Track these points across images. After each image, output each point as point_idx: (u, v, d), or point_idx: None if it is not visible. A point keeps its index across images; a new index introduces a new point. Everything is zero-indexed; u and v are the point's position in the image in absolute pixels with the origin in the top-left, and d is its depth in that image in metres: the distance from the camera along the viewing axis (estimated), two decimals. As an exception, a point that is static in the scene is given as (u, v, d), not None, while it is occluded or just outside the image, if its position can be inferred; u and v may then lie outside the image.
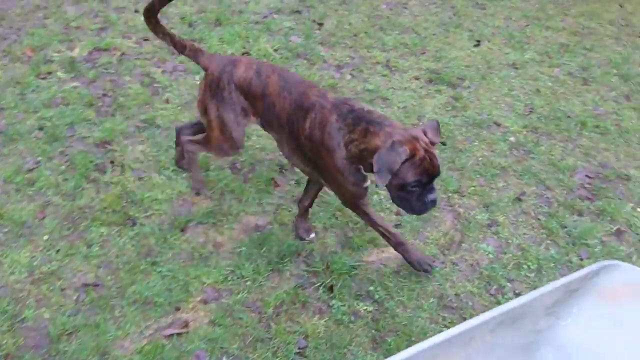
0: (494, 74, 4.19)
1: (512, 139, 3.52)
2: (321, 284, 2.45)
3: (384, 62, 4.15)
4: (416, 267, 2.50)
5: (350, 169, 2.20)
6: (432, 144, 2.11)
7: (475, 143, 3.46)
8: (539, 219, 2.94)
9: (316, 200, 2.72)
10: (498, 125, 3.65)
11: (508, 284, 2.56)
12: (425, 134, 2.12)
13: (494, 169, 3.24)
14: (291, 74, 2.49)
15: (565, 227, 2.88)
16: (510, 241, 2.80)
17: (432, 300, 2.45)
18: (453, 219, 2.90)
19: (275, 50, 4.15)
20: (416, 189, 2.08)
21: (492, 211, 2.96)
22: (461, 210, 2.95)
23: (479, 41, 4.61)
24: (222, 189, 2.89)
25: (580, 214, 2.99)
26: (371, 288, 2.46)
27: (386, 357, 1.57)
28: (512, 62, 4.36)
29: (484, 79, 4.12)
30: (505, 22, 4.95)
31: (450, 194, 3.04)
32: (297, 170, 2.77)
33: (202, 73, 2.57)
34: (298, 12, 4.73)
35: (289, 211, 2.81)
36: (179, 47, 2.50)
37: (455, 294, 2.49)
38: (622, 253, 2.76)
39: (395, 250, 2.50)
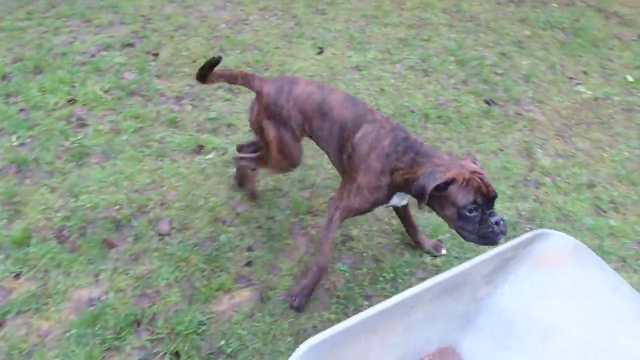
0: (339, 79, 4.18)
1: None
2: (166, 352, 2.23)
3: (225, 86, 3.98)
4: (294, 300, 2.44)
5: (381, 192, 2.21)
6: (481, 170, 2.06)
7: (325, 157, 3.40)
8: (391, 224, 2.93)
9: (155, 253, 2.50)
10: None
11: (365, 302, 2.50)
12: (473, 161, 2.12)
13: (344, 180, 3.20)
14: (358, 99, 2.47)
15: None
16: (365, 254, 2.75)
17: (289, 339, 2.32)
18: (307, 243, 2.80)
19: (106, 92, 3.82)
20: (474, 214, 1.97)
21: (345, 225, 2.90)
22: (314, 231, 2.86)
23: (321, 48, 4.59)
24: (46, 265, 2.56)
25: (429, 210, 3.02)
26: (222, 342, 2.28)
27: None
28: (356, 64, 4.38)
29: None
30: (345, 24, 4.98)
31: (302, 216, 2.94)
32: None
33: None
34: (130, 45, 4.42)
35: (127, 274, 2.55)
36: (232, 79, 2.48)
37: (313, 326, 2.38)
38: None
39: (315, 267, 2.44)
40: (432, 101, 3.96)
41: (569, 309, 1.66)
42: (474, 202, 1.95)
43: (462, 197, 1.95)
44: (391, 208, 2.68)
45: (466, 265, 1.65)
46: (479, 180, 1.96)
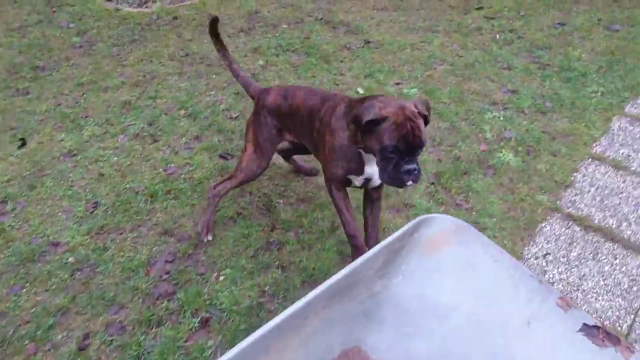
0: (46, 175, 3.42)
1: (71, 259, 2.83)
2: None
3: None
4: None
5: (348, 151, 2.30)
6: (420, 115, 2.08)
7: (26, 287, 2.66)
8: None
9: None
10: (56, 245, 2.91)
11: None
12: (416, 106, 2.09)
13: (49, 317, 2.50)
14: (317, 89, 2.74)
15: (142, 347, 2.34)
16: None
17: None
18: None
19: None
20: (393, 155, 2.05)
21: None
22: None
23: (23, 139, 3.78)
24: None
25: (160, 324, 2.48)
26: None
27: None
28: (69, 149, 3.66)
29: (32, 188, 3.32)
30: (55, 101, 4.21)
31: None
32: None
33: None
34: None
35: None
36: (235, 74, 2.95)
37: None
38: (210, 350, 2.34)
39: (347, 237, 2.56)
40: (161, 173, 3.43)
41: (458, 287, 1.74)
42: (395, 147, 2.02)
43: (387, 138, 2.02)
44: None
45: (353, 264, 1.65)
46: (409, 128, 2.01)
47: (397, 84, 4.28)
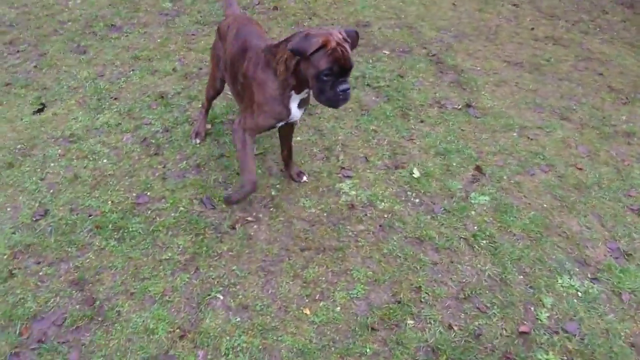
0: (31, 156, 3.13)
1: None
2: None
3: None
4: (228, 199, 2.75)
5: (279, 99, 2.49)
6: (346, 41, 2.29)
7: None
8: None
9: None
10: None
11: None
12: (340, 32, 2.30)
13: None
14: (249, 27, 2.79)
15: None
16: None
17: None
18: None
19: None
20: (329, 78, 2.28)
21: None
22: None
23: (43, 105, 3.53)
24: None
25: None
26: None
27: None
28: (71, 133, 3.32)
29: (9, 167, 3.05)
30: (100, 70, 3.91)
31: None
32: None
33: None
34: None
35: None
36: None
37: None
38: None
39: (244, 181, 2.68)
40: (130, 199, 2.91)
41: None
42: (330, 69, 2.25)
43: (324, 63, 2.24)
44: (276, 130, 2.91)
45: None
46: (340, 52, 2.23)
47: (472, 181, 3.20)
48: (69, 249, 2.63)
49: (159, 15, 4.60)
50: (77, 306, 2.39)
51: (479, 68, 4.23)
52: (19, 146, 3.21)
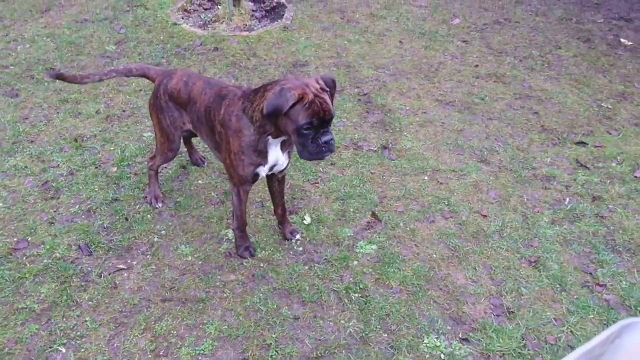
0: None
1: None
2: None
3: None
4: (238, 252, 2.86)
5: (256, 145, 2.43)
6: (324, 90, 2.25)
7: None
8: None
9: None
10: None
11: None
12: (317, 81, 2.26)
13: None
14: (216, 80, 2.81)
15: None
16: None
17: None
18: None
19: None
20: (309, 132, 2.22)
21: None
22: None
23: (-43, 148, 3.60)
24: None
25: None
26: None
27: None
28: (-23, 175, 3.37)
29: None
30: (24, 114, 3.99)
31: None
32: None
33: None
34: None
35: None
36: (127, 73, 3.02)
37: None
38: None
39: (233, 231, 2.84)
40: (6, 244, 2.91)
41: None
42: (310, 123, 2.20)
43: (302, 118, 2.19)
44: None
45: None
46: (319, 104, 2.18)
47: (365, 228, 3.06)
48: None
49: (99, 58, 4.71)
50: None
51: (407, 107, 4.12)
52: None
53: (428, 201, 3.25)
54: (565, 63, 4.75)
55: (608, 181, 3.43)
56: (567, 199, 3.28)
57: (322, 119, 2.21)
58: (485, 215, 3.15)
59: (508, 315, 2.58)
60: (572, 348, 2.42)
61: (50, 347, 2.41)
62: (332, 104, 2.30)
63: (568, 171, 3.52)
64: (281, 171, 2.73)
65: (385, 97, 4.23)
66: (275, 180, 2.81)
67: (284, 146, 2.53)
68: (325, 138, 2.24)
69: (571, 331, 2.51)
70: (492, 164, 3.57)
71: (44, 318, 2.54)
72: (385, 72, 4.58)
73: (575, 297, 2.67)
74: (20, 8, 5.59)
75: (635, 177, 3.45)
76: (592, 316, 2.58)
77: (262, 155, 2.48)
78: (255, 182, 2.64)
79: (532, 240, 3.00)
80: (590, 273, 2.81)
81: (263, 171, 2.57)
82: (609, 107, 4.16)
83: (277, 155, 2.53)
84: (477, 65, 4.70)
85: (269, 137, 2.42)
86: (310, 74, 4.52)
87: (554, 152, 3.69)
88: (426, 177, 3.45)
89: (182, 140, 3.40)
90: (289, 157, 2.64)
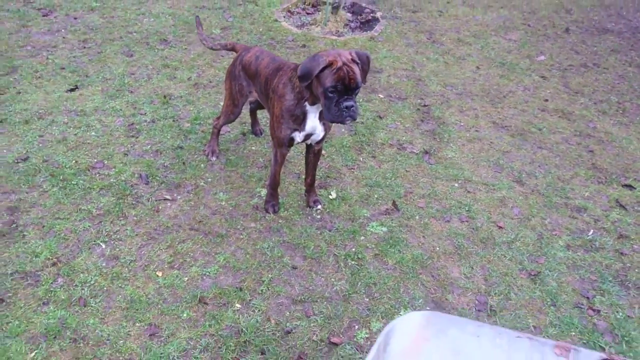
0: (43, 119, 3.95)
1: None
2: None
3: None
4: (265, 206, 3.26)
5: (294, 110, 2.76)
6: (354, 62, 2.51)
7: None
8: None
9: None
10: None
11: None
12: (350, 54, 2.53)
13: None
14: (281, 58, 3.13)
15: None
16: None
17: None
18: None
19: None
20: (334, 95, 2.49)
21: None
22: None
23: (76, 86, 4.40)
24: None
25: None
26: None
27: None
28: (82, 109, 4.11)
29: (25, 124, 3.89)
30: (135, 70, 4.74)
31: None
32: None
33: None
34: None
35: None
36: (225, 46, 3.60)
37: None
38: None
39: (267, 187, 3.26)
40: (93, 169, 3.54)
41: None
42: (335, 87, 2.45)
43: (329, 81, 2.45)
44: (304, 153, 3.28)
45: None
46: (345, 71, 2.44)
47: (383, 213, 3.29)
48: (22, 186, 3.29)
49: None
50: (0, 225, 3.01)
51: (462, 123, 4.29)
52: (40, 110, 4.06)
53: (450, 204, 3.41)
54: (643, 112, 4.62)
55: (643, 224, 3.36)
56: (592, 231, 3.27)
57: (346, 85, 2.45)
58: (501, 227, 3.25)
59: (489, 312, 2.69)
60: (541, 355, 2.47)
61: (94, 242, 2.94)
62: (363, 77, 2.56)
63: (603, 207, 3.49)
64: (318, 142, 3.03)
65: (444, 112, 4.44)
66: (312, 152, 3.13)
67: (321, 117, 2.82)
68: (347, 103, 2.47)
69: (547, 341, 2.56)
70: (526, 186, 3.63)
71: (97, 220, 3.09)
72: (452, 90, 4.78)
73: (563, 314, 2.71)
74: (156, -10, 6.55)
75: (675, 227, 3.34)
76: (573, 333, 2.60)
77: (299, 121, 2.80)
78: (291, 146, 2.97)
79: (539, 257, 3.05)
80: (588, 298, 2.81)
81: (298, 137, 2.88)
82: (674, 160, 4.02)
83: (314, 124, 2.83)
84: (546, 100, 4.73)
85: (306, 103, 2.72)
86: (381, 80, 4.85)
87: (596, 189, 3.66)
88: (456, 184, 3.61)
89: (249, 111, 3.92)
90: (326, 129, 2.92)
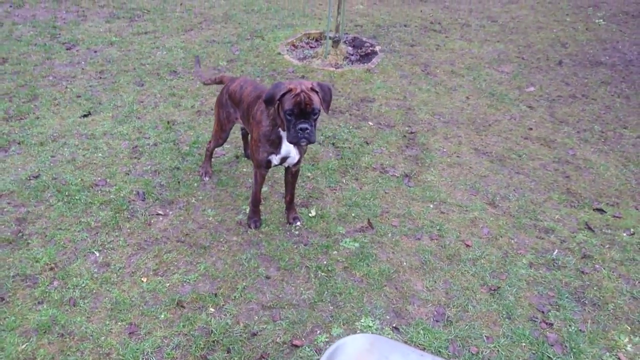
0: (57, 141, 4.33)
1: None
2: None
3: None
4: (247, 222, 3.53)
5: (270, 135, 3.06)
6: (314, 90, 2.83)
7: None
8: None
9: None
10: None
11: None
12: (312, 84, 2.85)
13: None
14: (263, 86, 3.44)
15: None
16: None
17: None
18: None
19: None
20: (292, 118, 2.81)
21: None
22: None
23: (89, 113, 4.81)
24: None
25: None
26: None
27: None
28: (92, 133, 4.49)
29: (40, 145, 4.28)
30: (144, 98, 5.14)
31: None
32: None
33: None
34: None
35: None
36: (215, 80, 3.90)
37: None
38: None
39: (251, 204, 3.48)
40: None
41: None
42: (292, 110, 2.77)
43: (287, 104, 2.77)
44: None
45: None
46: (302, 97, 2.75)
47: (357, 230, 3.52)
48: (32, 200, 3.64)
49: (212, 69, 5.81)
50: (8, 234, 3.34)
51: (445, 149, 4.51)
52: (55, 134, 4.47)
53: (423, 223, 3.62)
54: (624, 142, 4.77)
55: (607, 245, 3.49)
56: (556, 251, 3.42)
57: (302, 110, 2.76)
58: (468, 245, 3.43)
59: (445, 322, 2.86)
60: (490, 362, 2.63)
61: (90, 250, 3.24)
62: (324, 106, 2.86)
63: (571, 229, 3.64)
64: (294, 165, 3.31)
65: (429, 138, 4.68)
66: (290, 173, 3.41)
67: None
68: (301, 125, 2.77)
69: (497, 350, 2.71)
70: (498, 208, 3.82)
71: (94, 231, 3.40)
72: (439, 119, 5.02)
73: (516, 326, 2.86)
74: (171, 26, 7.06)
75: (640, 248, 3.46)
76: (524, 344, 2.75)
77: (275, 145, 3.09)
78: (269, 168, 3.26)
79: (501, 274, 3.21)
80: (543, 312, 2.96)
81: (275, 160, 3.16)
82: (650, 186, 4.14)
83: (288, 148, 3.11)
84: (531, 129, 4.92)
85: (280, 129, 3.03)
86: (372, 109, 5.13)
87: (567, 212, 3.82)
88: (431, 205, 3.81)
89: (241, 136, 4.24)
90: (300, 153, 3.22)
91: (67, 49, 6.14)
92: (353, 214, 3.67)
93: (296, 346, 2.69)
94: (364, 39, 6.78)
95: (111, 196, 3.74)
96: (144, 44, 6.38)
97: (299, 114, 2.77)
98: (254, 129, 3.15)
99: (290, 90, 2.77)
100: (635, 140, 4.80)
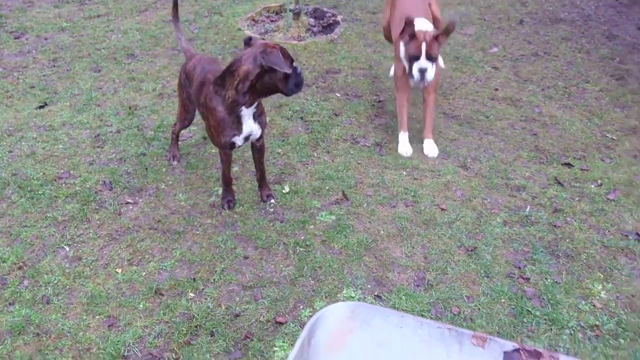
0: (13, 136, 4.14)
1: None
2: None
3: None
4: (221, 203, 3.46)
5: (229, 119, 3.00)
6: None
7: None
8: None
9: None
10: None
11: None
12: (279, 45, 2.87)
13: None
14: (211, 66, 3.25)
15: None
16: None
17: None
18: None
19: None
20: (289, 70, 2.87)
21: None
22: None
23: (45, 103, 4.60)
24: None
25: None
26: None
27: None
28: (51, 124, 4.31)
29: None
30: (102, 84, 4.95)
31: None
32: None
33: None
34: None
35: None
36: (184, 49, 3.67)
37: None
38: None
39: (223, 183, 3.42)
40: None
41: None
42: (291, 63, 2.84)
43: (281, 61, 2.75)
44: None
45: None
46: (286, 51, 2.84)
47: (332, 203, 3.50)
48: None
49: (171, 49, 5.62)
50: (-29, 235, 3.20)
51: (414, 116, 4.50)
52: (10, 128, 4.26)
53: (397, 191, 3.62)
54: (587, 96, 4.84)
55: (577, 198, 3.57)
56: (528, 207, 3.48)
57: (289, 58, 2.83)
58: (443, 209, 3.45)
59: (426, 286, 2.89)
60: (472, 320, 2.68)
61: (59, 245, 3.14)
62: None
63: (542, 185, 3.70)
64: (258, 140, 3.25)
65: (397, 106, 4.65)
66: (255, 150, 3.35)
67: (255, 117, 3.08)
68: (298, 71, 2.88)
69: (478, 308, 2.76)
70: (470, 170, 3.85)
71: (62, 226, 3.29)
72: (406, 86, 4.99)
73: (495, 283, 2.91)
74: (125, 7, 6.76)
75: (608, 198, 3.55)
76: (503, 300, 2.81)
77: (236, 126, 3.03)
78: (232, 149, 3.20)
79: (477, 234, 3.26)
80: (519, 267, 3.02)
81: (239, 140, 3.10)
82: (614, 137, 4.23)
83: (250, 126, 3.08)
84: (497, 89, 4.95)
85: (243, 107, 2.95)
86: (338, 80, 5.07)
87: (536, 169, 3.88)
88: (404, 173, 3.81)
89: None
90: (262, 127, 3.18)
91: (15, 38, 5.84)
92: (327, 187, 3.65)
93: (280, 323, 2.67)
94: (325, 10, 6.66)
95: (76, 188, 3.61)
96: (98, 28, 6.11)
97: (290, 63, 2.85)
98: (209, 116, 3.06)
99: (279, 48, 2.80)
100: (598, 94, 4.88)
